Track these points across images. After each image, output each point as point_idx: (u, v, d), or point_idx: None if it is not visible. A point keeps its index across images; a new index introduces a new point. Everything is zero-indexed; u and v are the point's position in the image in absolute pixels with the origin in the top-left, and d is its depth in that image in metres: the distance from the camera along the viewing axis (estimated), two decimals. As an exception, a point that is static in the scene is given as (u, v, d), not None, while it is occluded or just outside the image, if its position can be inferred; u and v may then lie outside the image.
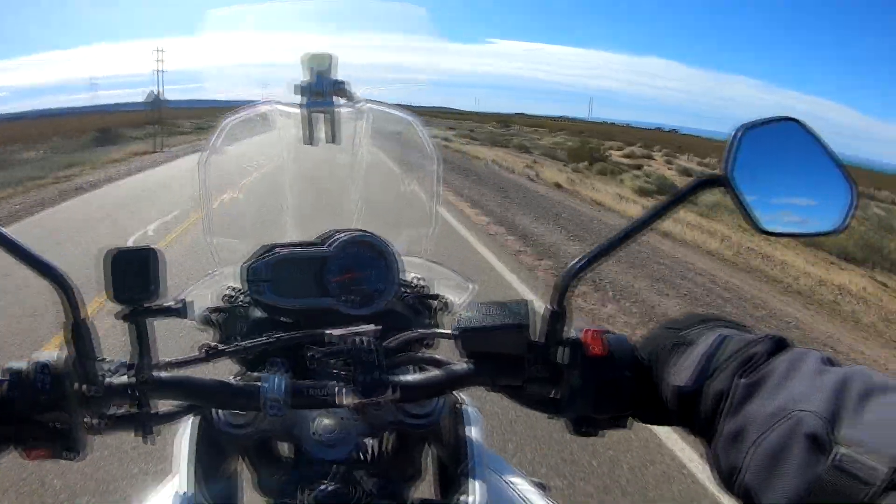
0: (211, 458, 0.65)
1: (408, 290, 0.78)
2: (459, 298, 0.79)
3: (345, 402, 0.52)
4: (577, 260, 0.51)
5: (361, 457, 0.67)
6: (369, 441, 0.70)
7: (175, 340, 1.89)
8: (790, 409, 0.37)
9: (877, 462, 0.31)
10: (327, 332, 0.55)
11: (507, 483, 0.65)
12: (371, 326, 0.55)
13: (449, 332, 0.57)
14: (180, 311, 0.54)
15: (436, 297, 0.78)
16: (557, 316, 0.52)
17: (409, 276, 0.81)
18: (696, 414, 0.45)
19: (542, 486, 0.73)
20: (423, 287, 0.79)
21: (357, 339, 0.54)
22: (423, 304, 0.77)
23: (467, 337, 0.54)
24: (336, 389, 0.53)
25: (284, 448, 0.72)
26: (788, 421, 0.37)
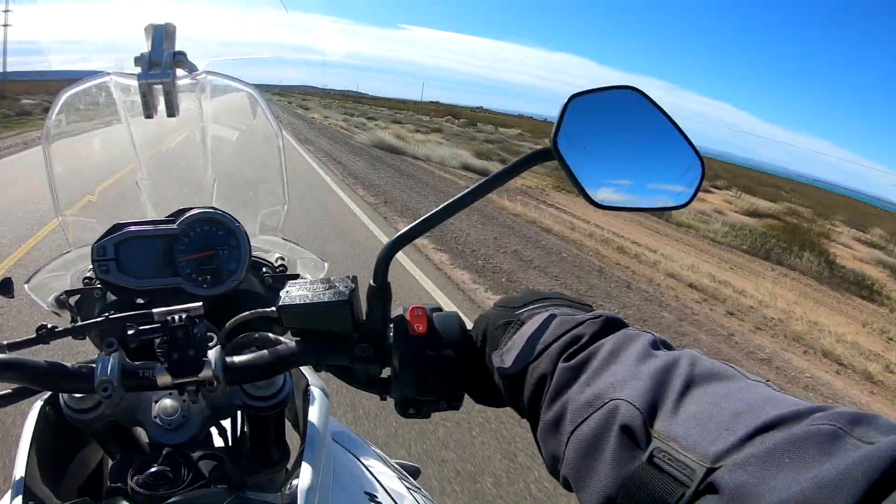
0: (65, 446, 0.62)
1: (269, 270, 0.76)
2: (316, 277, 0.77)
3: (161, 383, 0.50)
4: (396, 236, 0.49)
5: (218, 443, 0.65)
6: (228, 427, 0.68)
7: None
8: (607, 397, 0.35)
9: (693, 460, 0.29)
10: (154, 311, 0.53)
11: (363, 466, 0.63)
12: (195, 304, 0.53)
13: (271, 309, 0.54)
14: (3, 289, 0.53)
15: (295, 276, 0.76)
16: (380, 292, 0.50)
17: (273, 256, 0.80)
18: (522, 399, 0.43)
19: (414, 471, 0.72)
20: (284, 267, 0.77)
21: (172, 317, 0.51)
22: (283, 284, 0.74)
23: (288, 314, 0.51)
24: (158, 371, 0.50)
25: (141, 434, 0.68)
26: (604, 409, 0.35)
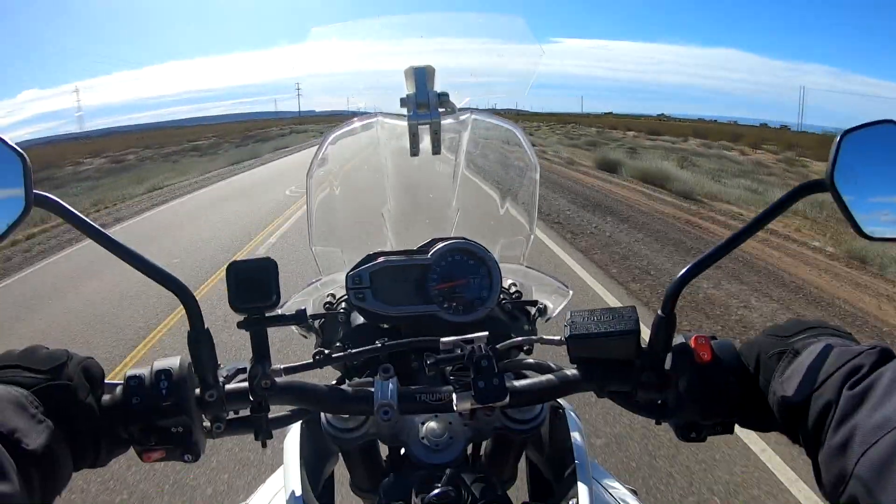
0: (315, 459, 0.67)
1: (506, 297, 0.79)
2: (556, 304, 0.79)
3: (460, 408, 0.53)
4: (684, 269, 0.52)
5: (467, 460, 0.68)
6: (481, 445, 0.71)
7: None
8: None
9: None
10: (442, 339, 0.56)
11: (604, 487, 0.65)
12: (482, 334, 0.56)
13: (557, 338, 0.57)
14: (299, 318, 0.56)
15: (533, 303, 0.78)
16: (666, 322, 0.53)
17: (507, 282, 0.82)
18: (803, 425, 0.46)
19: (633, 492, 0.73)
20: (519, 293, 0.80)
21: (474, 346, 0.54)
22: (520, 311, 0.78)
23: (577, 343, 0.54)
24: (453, 395, 0.53)
25: (383, 451, 0.73)
26: (895, 433, 0.37)
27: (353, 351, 0.60)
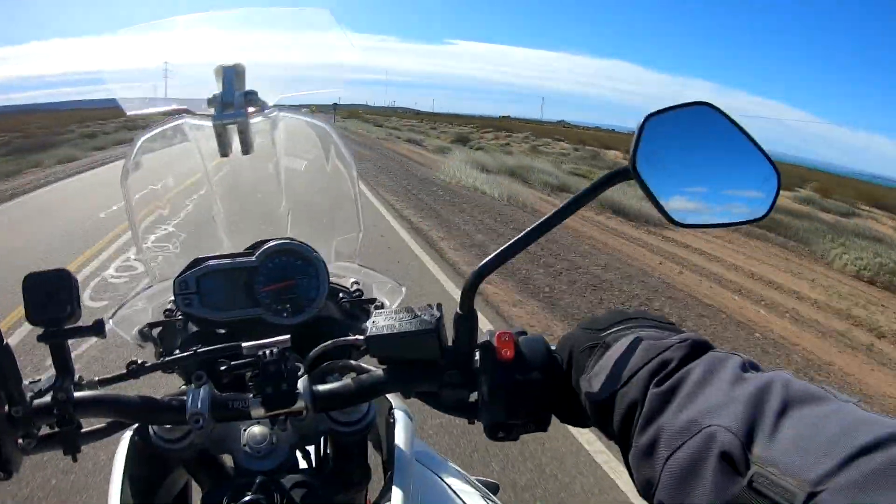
0: (151, 473, 0.65)
1: (344, 296, 0.78)
2: (392, 302, 0.79)
3: (254, 415, 0.53)
4: (482, 263, 0.49)
5: (301, 465, 0.67)
6: (311, 449, 0.70)
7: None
8: (702, 423, 0.35)
9: (795, 485, 0.29)
10: (243, 344, 0.55)
11: (445, 485, 0.64)
12: (283, 337, 0.55)
13: (358, 338, 0.56)
14: (96, 330, 0.54)
15: (372, 301, 0.78)
16: (466, 319, 0.51)
17: (348, 281, 0.82)
18: (611, 424, 0.43)
19: (494, 487, 0.72)
20: (360, 292, 0.79)
21: (264, 352, 0.54)
22: (360, 309, 0.77)
23: (376, 344, 0.53)
24: (250, 402, 0.53)
25: (223, 460, 0.71)
26: (700, 436, 0.35)
27: (166, 360, 0.59)
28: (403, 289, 0.80)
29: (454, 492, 0.64)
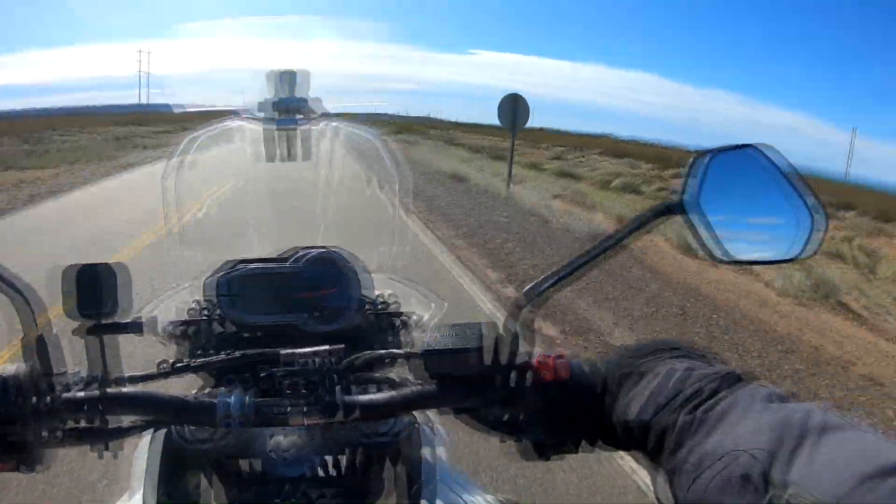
0: (174, 473, 0.64)
1: (371, 308, 0.78)
2: (428, 316, 0.78)
3: (296, 423, 0.53)
4: (529, 286, 0.51)
5: (322, 473, 0.66)
6: (330, 458, 0.70)
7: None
8: (727, 449, 0.37)
9: None
10: (283, 351, 0.55)
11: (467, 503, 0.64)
12: (327, 347, 0.55)
13: (407, 351, 0.57)
14: (137, 328, 0.54)
15: (400, 314, 0.78)
16: (509, 339, 0.52)
17: (385, 293, 0.81)
18: (643, 448, 0.45)
19: None
20: (388, 304, 0.79)
21: (311, 361, 0.54)
22: (387, 322, 0.77)
23: (432, 359, 0.54)
24: (290, 409, 0.53)
25: (248, 465, 0.70)
26: (724, 460, 0.37)
27: (199, 361, 0.59)
28: (445, 304, 0.79)
29: None
